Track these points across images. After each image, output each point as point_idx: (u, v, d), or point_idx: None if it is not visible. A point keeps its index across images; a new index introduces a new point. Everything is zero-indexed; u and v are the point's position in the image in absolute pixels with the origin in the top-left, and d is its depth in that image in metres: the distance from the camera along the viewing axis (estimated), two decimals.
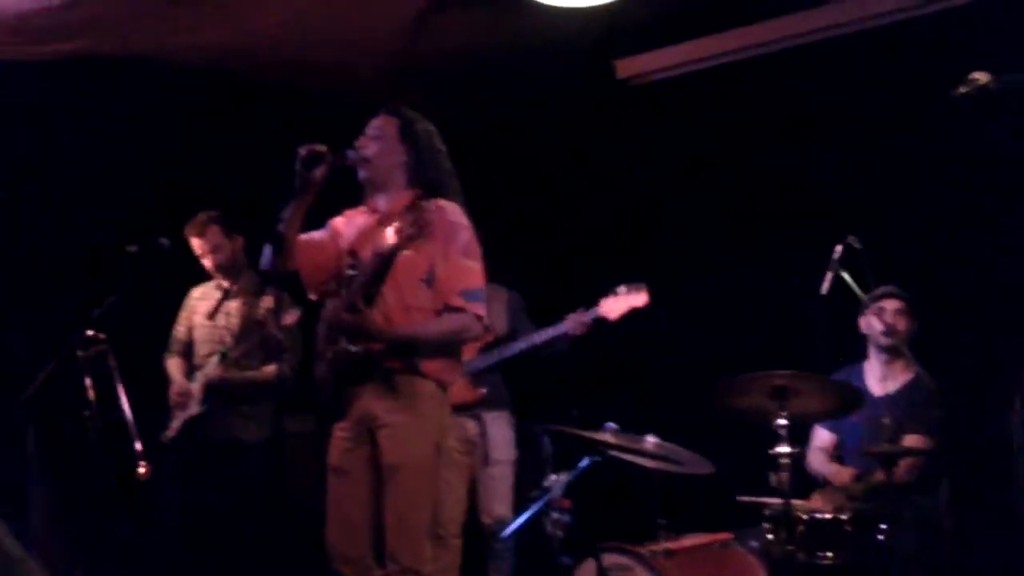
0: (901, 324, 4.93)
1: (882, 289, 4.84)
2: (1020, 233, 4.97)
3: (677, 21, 5.96)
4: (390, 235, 3.78)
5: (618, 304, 5.13)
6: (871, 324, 4.98)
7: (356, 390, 3.89)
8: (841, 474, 4.92)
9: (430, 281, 3.93)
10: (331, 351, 3.87)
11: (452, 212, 3.98)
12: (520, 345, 5.22)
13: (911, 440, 4.73)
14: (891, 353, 4.96)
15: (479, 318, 3.97)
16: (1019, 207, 4.98)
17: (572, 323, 5.16)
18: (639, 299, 5.13)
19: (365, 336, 3.81)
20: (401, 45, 5.88)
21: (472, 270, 3.98)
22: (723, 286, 6.16)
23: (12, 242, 5.62)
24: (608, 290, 5.16)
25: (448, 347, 4.00)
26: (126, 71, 5.66)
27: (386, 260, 3.82)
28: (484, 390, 5.22)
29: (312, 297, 4.14)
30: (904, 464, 4.67)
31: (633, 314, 5.12)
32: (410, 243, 3.77)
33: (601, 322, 5.14)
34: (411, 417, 3.86)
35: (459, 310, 3.92)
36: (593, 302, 5.16)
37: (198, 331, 5.43)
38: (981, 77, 3.42)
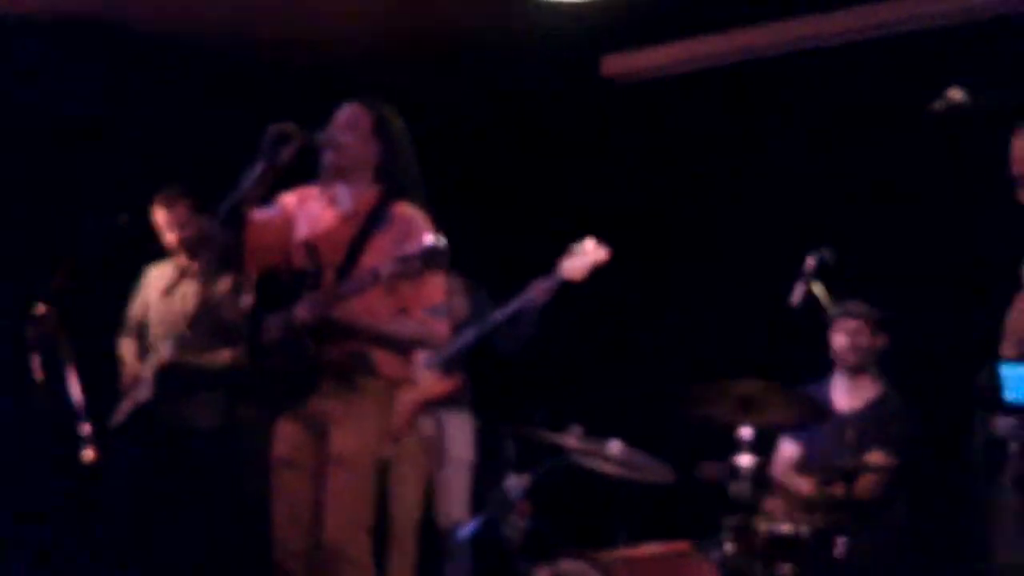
0: (862, 343, 4.94)
1: (844, 307, 4.85)
2: (991, 250, 4.99)
3: (665, 21, 5.95)
4: (386, 266, 3.67)
5: (579, 263, 5.06)
6: (834, 341, 4.99)
7: (310, 386, 3.87)
8: (802, 485, 4.90)
9: (391, 289, 3.88)
10: (290, 346, 3.83)
11: (420, 223, 3.94)
12: (485, 325, 5.14)
13: (873, 457, 4.72)
14: (854, 371, 4.98)
15: (438, 333, 4.01)
16: (989, 224, 5.00)
17: (535, 290, 5.09)
18: (599, 254, 5.07)
19: (330, 325, 3.78)
20: (389, 26, 5.87)
21: (436, 286, 3.97)
22: (696, 292, 6.16)
23: None
24: (561, 249, 5.10)
25: (402, 351, 4.03)
26: (102, 36, 5.61)
27: (372, 283, 3.75)
28: (460, 376, 5.19)
29: (252, 276, 4.06)
30: (865, 480, 4.66)
31: (602, 314, 5.09)
32: (397, 281, 3.71)
33: (567, 288, 5.08)
34: (360, 411, 3.88)
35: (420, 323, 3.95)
36: (549, 263, 5.09)
37: (153, 311, 5.34)
38: (956, 94, 3.47)
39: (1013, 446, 3.69)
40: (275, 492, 3.94)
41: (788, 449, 5.09)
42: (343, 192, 4.04)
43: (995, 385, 3.39)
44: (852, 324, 4.92)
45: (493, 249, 5.85)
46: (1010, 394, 3.37)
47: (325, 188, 4.09)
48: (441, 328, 4.00)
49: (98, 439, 4.61)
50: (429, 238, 3.61)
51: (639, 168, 6.46)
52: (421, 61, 6.31)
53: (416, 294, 3.90)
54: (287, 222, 4.06)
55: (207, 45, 5.98)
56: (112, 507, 5.24)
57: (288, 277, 3.99)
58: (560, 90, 6.51)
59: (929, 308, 5.33)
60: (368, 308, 3.86)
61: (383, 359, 3.91)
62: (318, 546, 3.83)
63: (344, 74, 6.06)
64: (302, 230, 4.04)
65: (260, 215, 3.96)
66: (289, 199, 4.12)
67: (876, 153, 5.59)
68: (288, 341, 3.85)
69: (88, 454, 4.57)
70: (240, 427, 4.67)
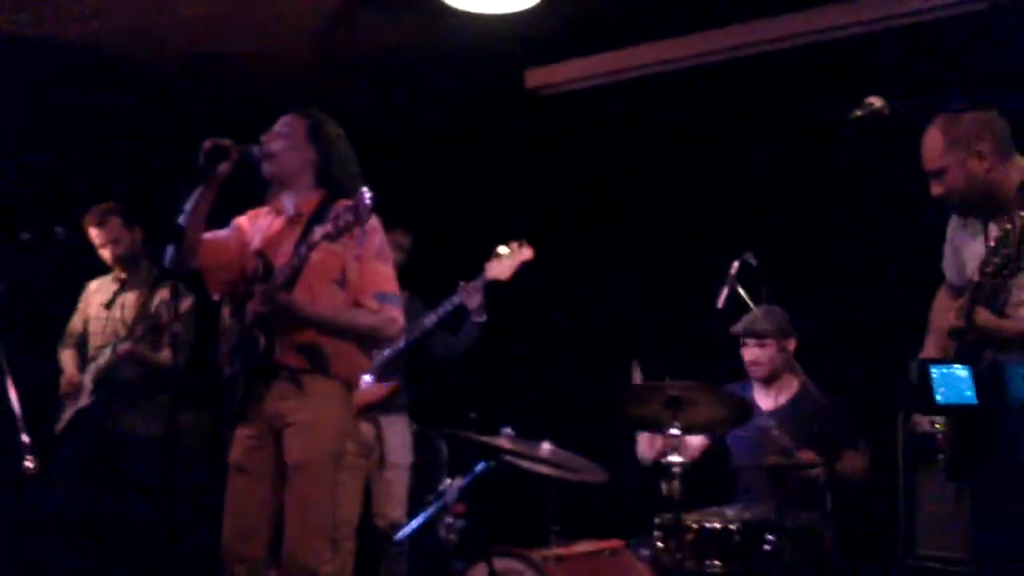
0: (765, 358, 5.01)
1: (746, 324, 4.90)
2: (907, 252, 5.11)
3: (587, 34, 6.01)
4: (315, 232, 3.70)
5: (505, 263, 5.20)
6: (743, 355, 5.09)
7: (263, 390, 3.86)
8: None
9: (342, 283, 3.92)
10: (245, 348, 3.84)
11: None
12: (416, 329, 5.23)
13: (804, 454, 4.78)
14: (767, 381, 5.07)
15: (393, 320, 3.97)
16: (906, 227, 5.12)
17: (463, 293, 5.21)
18: (524, 253, 5.22)
19: (284, 312, 3.75)
20: (316, 41, 5.89)
21: (385, 274, 3.99)
22: (623, 296, 6.22)
23: None
24: (488, 255, 5.24)
25: (357, 343, 3.98)
26: (32, 52, 5.57)
27: (303, 258, 3.76)
28: (396, 382, 5.22)
29: (215, 297, 4.10)
30: (849, 461, 4.73)
31: (532, 320, 5.16)
32: (333, 240, 3.68)
33: (498, 291, 5.23)
34: (316, 416, 3.84)
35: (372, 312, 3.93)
36: (478, 270, 5.22)
37: (93, 323, 5.35)
38: (876, 102, 3.51)
39: (940, 437, 3.76)
40: (227, 498, 3.90)
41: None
42: (287, 200, 4.06)
43: (926, 387, 3.39)
44: (755, 341, 5.01)
45: (425, 259, 5.89)
46: (941, 396, 3.39)
47: (273, 202, 4.12)
48: (396, 315, 3.97)
49: (39, 449, 4.62)
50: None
51: (567, 173, 6.51)
52: (350, 74, 6.33)
53: (365, 283, 3.91)
54: (241, 242, 4.07)
55: (142, 60, 5.96)
56: (55, 516, 5.20)
57: (244, 288, 3.96)
58: (485, 101, 6.54)
59: (851, 306, 5.47)
60: (320, 301, 3.86)
61: (337, 358, 3.89)
62: (271, 555, 3.81)
63: (278, 89, 6.08)
64: (255, 244, 4.05)
65: (212, 236, 3.99)
66: (242, 220, 4.16)
67: (799, 158, 5.68)
68: (241, 342, 3.85)
69: (28, 464, 4.59)
70: (181, 433, 4.68)
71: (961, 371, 3.40)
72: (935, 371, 3.39)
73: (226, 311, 4.07)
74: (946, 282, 3.86)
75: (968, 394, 3.39)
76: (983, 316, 3.41)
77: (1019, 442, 3.42)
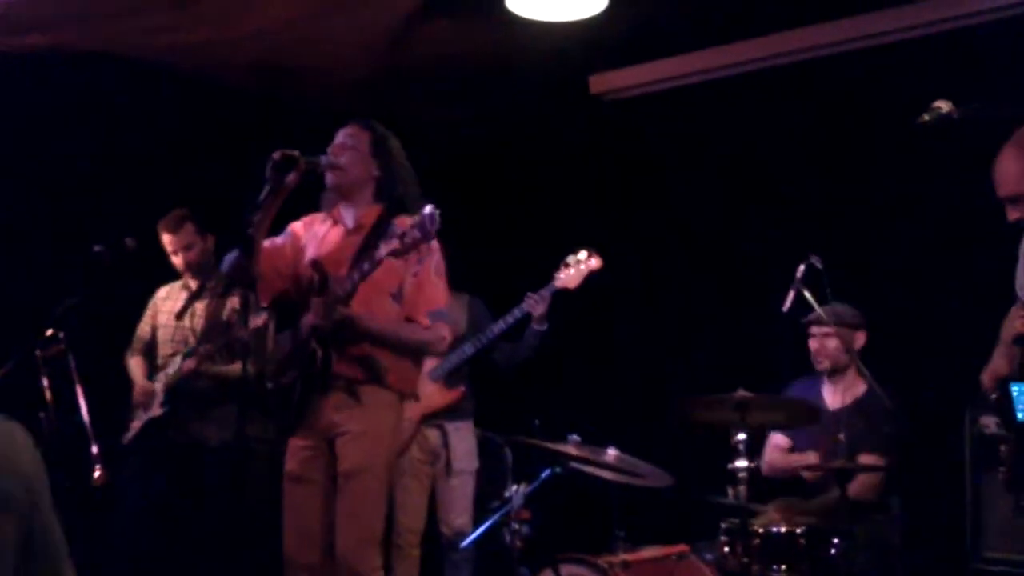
0: (830, 347, 5.02)
1: (815, 314, 4.88)
2: (973, 255, 5.07)
3: (650, 41, 6.01)
4: (380, 248, 3.71)
5: (573, 272, 5.22)
6: (810, 345, 5.11)
7: (319, 400, 3.90)
8: (807, 457, 4.99)
9: (398, 296, 3.97)
10: (300, 358, 3.87)
11: None
12: (483, 338, 5.25)
13: (865, 459, 4.79)
14: (831, 373, 5.08)
15: (443, 338, 4.03)
16: (974, 231, 5.08)
17: (530, 301, 5.23)
18: (593, 263, 5.23)
19: (338, 324, 3.79)
20: (382, 53, 5.90)
21: (440, 291, 4.04)
22: (689, 301, 6.23)
23: None
24: (559, 263, 5.24)
25: (410, 356, 4.03)
26: (101, 67, 5.62)
27: (371, 268, 3.78)
28: (462, 388, 5.25)
29: (263, 303, 4.15)
30: (859, 481, 4.75)
31: (597, 325, 5.16)
32: (399, 256, 3.69)
33: (564, 298, 5.24)
34: (369, 424, 3.89)
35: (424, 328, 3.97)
36: (545, 277, 5.24)
37: (162, 331, 5.36)
38: (944, 106, 3.47)
39: (1003, 449, 3.75)
40: (286, 507, 3.95)
41: (778, 440, 5.18)
42: (347, 212, 4.11)
43: (1007, 404, 3.39)
44: (820, 330, 5.01)
45: (491, 264, 5.91)
46: (1022, 414, 3.37)
47: (329, 210, 4.17)
48: (444, 332, 4.02)
49: (108, 459, 4.68)
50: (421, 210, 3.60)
51: (630, 181, 6.52)
52: (415, 85, 6.35)
53: (419, 299, 3.96)
54: (296, 248, 4.12)
55: (209, 74, 6.03)
56: (124, 526, 5.21)
57: (298, 297, 4.03)
58: (550, 108, 6.57)
59: (918, 310, 5.43)
60: (374, 314, 3.90)
61: (391, 369, 3.93)
62: (329, 561, 3.85)
63: (341, 101, 6.12)
64: (309, 252, 4.09)
65: (270, 243, 4.03)
66: (296, 226, 4.20)
67: (865, 162, 5.65)
68: (297, 353, 3.90)
69: (98, 474, 4.65)
70: (251, 442, 4.73)
71: None
72: (1015, 388, 3.36)
73: (261, 319, 4.11)
74: (1019, 301, 3.78)
75: None
76: None
77: None
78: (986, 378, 3.73)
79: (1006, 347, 3.72)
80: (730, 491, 4.35)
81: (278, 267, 4.06)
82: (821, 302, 4.74)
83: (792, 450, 5.14)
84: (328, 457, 3.92)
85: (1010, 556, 4.00)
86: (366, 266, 3.76)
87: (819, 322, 4.96)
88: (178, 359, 5.19)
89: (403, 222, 3.94)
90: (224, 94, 6.15)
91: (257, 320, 5.02)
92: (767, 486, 5.06)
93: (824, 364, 5.06)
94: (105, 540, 5.19)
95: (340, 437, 3.89)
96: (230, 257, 3.94)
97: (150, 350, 5.41)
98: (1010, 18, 5.22)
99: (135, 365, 5.40)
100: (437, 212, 3.58)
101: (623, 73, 6.30)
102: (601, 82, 6.39)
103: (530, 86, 6.41)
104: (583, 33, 5.60)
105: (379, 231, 3.96)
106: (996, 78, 5.04)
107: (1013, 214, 3.54)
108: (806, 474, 4.98)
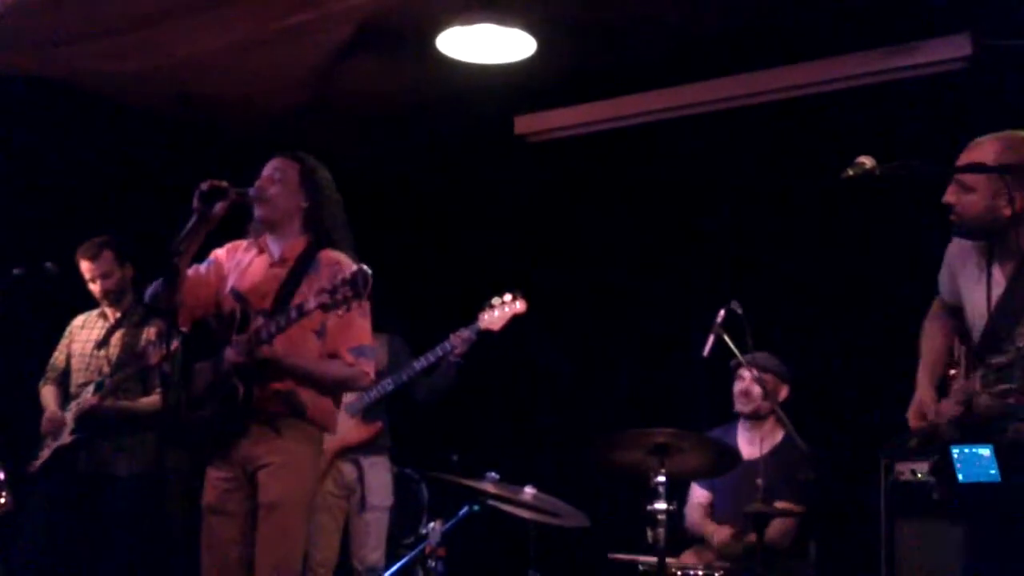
0: (756, 392, 5.06)
1: (743, 358, 4.89)
2: (890, 306, 5.16)
3: (575, 85, 6.08)
4: (310, 299, 3.67)
5: (498, 314, 5.23)
6: (734, 389, 5.16)
7: (239, 433, 3.87)
8: (720, 532, 5.00)
9: (321, 333, 3.95)
10: (220, 390, 3.83)
11: (347, 266, 3.91)
12: (404, 374, 5.23)
13: (782, 505, 4.81)
14: (751, 418, 5.12)
15: (366, 373, 4.01)
16: (892, 282, 5.18)
17: (454, 339, 5.22)
18: (518, 306, 5.25)
19: (260, 363, 3.77)
20: (310, 86, 5.90)
21: (364, 328, 4.02)
22: (608, 343, 6.25)
23: None
24: (484, 304, 5.25)
25: (331, 392, 4.02)
26: (26, 91, 5.57)
27: (298, 316, 3.75)
28: (379, 423, 5.22)
29: (183, 329, 4.10)
30: (775, 526, 4.78)
31: (520, 366, 5.15)
32: (327, 311, 3.63)
33: (487, 337, 5.23)
34: (291, 457, 3.86)
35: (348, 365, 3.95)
36: (472, 319, 5.24)
37: (76, 359, 5.28)
38: (867, 161, 3.51)
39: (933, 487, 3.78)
40: (203, 540, 3.91)
41: (700, 494, 5.20)
42: (272, 242, 4.08)
43: (948, 468, 3.41)
44: (747, 375, 5.06)
45: (412, 301, 5.89)
46: (962, 476, 3.38)
47: (255, 239, 4.14)
48: (368, 369, 4.00)
49: (15, 486, 4.57)
50: (354, 267, 3.59)
51: (552, 221, 6.56)
52: (340, 119, 6.36)
53: (343, 335, 3.94)
54: (219, 276, 4.09)
55: (138, 101, 6.00)
56: (27, 556, 5.06)
57: (217, 325, 4.00)
58: (474, 147, 6.60)
59: (833, 360, 5.51)
60: (297, 350, 3.88)
61: (312, 404, 3.91)
62: None
63: (266, 132, 6.12)
64: (232, 280, 4.06)
65: (193, 271, 4.00)
66: (220, 253, 4.17)
67: (786, 212, 5.74)
68: (217, 386, 3.86)
69: (2, 501, 4.54)
70: (168, 473, 4.64)
71: (984, 450, 3.38)
72: (956, 452, 3.40)
73: (173, 345, 4.06)
74: (938, 298, 3.83)
75: (992, 472, 3.37)
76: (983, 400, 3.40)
77: None
78: (912, 416, 3.71)
79: (928, 368, 3.74)
80: (649, 533, 4.32)
81: (200, 296, 4.02)
82: (741, 348, 4.77)
83: (712, 505, 5.16)
84: (247, 489, 3.87)
85: None
86: (293, 314, 3.73)
87: (753, 364, 5.00)
88: (91, 388, 5.10)
89: (328, 255, 3.95)
90: (148, 122, 6.09)
91: (173, 347, 4.95)
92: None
93: (747, 407, 5.10)
94: (8, 568, 5.07)
95: (261, 469, 3.85)
96: (153, 286, 3.89)
97: (64, 378, 5.32)
98: (932, 76, 5.34)
99: (48, 393, 5.31)
100: (370, 273, 3.56)
101: (548, 115, 6.36)
102: (526, 123, 6.44)
103: (456, 125, 6.46)
104: (510, 75, 5.66)
105: (304, 264, 3.96)
106: (919, 133, 5.14)
107: (950, 196, 3.55)
108: (716, 541, 5.00)
